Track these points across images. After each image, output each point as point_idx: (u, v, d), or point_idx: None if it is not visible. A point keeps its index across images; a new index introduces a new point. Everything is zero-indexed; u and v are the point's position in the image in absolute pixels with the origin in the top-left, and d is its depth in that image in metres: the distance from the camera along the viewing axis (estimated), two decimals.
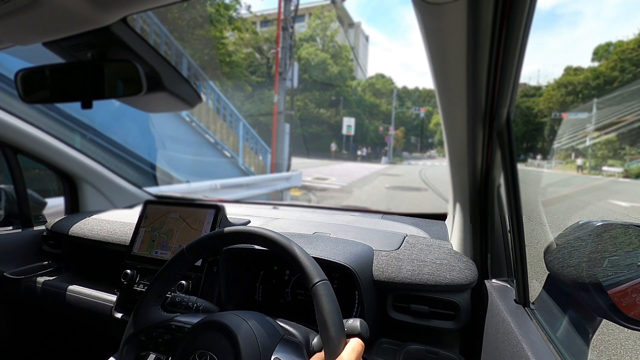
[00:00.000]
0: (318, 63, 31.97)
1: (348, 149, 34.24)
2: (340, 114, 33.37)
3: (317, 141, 32.81)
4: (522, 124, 37.28)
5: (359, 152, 34.36)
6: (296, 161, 21.98)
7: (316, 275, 0.56)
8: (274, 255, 0.98)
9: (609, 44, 31.90)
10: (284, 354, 0.58)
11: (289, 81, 9.56)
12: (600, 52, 32.63)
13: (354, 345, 0.52)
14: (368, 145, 37.05)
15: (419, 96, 51.23)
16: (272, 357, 0.58)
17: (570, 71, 32.67)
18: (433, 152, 52.02)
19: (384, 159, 31.11)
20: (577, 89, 30.92)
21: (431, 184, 13.99)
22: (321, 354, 0.53)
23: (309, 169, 17.86)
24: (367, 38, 50.62)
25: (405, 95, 50.69)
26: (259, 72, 26.19)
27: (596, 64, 31.92)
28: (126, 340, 0.64)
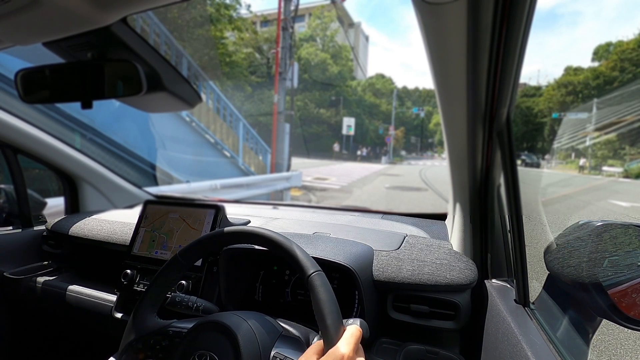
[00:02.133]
0: (318, 63, 31.67)
1: (348, 149, 33.96)
2: (340, 114, 33.04)
3: (318, 141, 32.40)
4: (522, 124, 37.16)
5: (358, 152, 33.46)
6: (296, 161, 21.61)
7: (310, 266, 0.57)
8: (274, 256, 0.98)
9: (609, 44, 31.70)
10: (283, 349, 0.59)
11: (288, 81, 9.53)
12: (600, 52, 32.39)
13: (352, 332, 0.52)
14: (368, 145, 36.69)
15: (419, 96, 51.15)
16: (272, 353, 0.58)
17: (571, 71, 32.45)
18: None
19: (383, 158, 30.37)
20: (577, 89, 30.68)
21: (431, 184, 13.80)
22: (320, 342, 0.53)
23: (309, 169, 17.67)
24: (367, 38, 50.44)
25: (405, 95, 50.52)
26: (259, 72, 26.15)
27: (596, 64, 31.69)
28: (124, 349, 0.64)
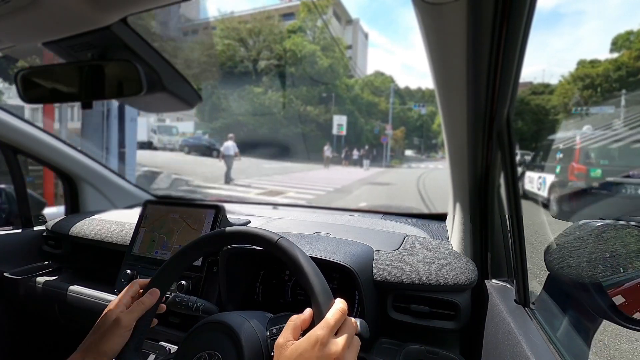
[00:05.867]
0: (306, 55, 26.80)
1: (340, 151, 27.33)
2: (331, 112, 28.00)
3: (305, 142, 26.89)
4: (532, 123, 34.86)
5: (343, 156, 25.37)
6: (276, 165, 18.41)
7: (274, 235, 0.58)
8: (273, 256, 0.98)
9: (629, 33, 28.16)
10: (277, 326, 0.59)
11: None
12: (619, 42, 28.54)
13: (339, 307, 0.50)
14: (363, 146, 30.89)
15: (422, 96, 50.01)
16: (266, 333, 0.58)
17: (586, 64, 29.48)
18: None
19: (365, 162, 22.30)
20: (595, 82, 27.41)
21: (429, 199, 9.55)
22: (309, 311, 0.53)
23: (275, 177, 13.66)
24: (366, 35, 49.16)
25: (408, 95, 49.43)
26: (241, 67, 24.78)
27: (615, 54, 28.03)
28: None
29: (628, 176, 4.87)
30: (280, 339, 0.49)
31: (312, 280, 0.53)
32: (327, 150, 21.27)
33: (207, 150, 20.13)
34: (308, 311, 0.53)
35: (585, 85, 28.30)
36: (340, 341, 0.46)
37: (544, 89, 38.48)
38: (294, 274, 0.55)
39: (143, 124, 24.13)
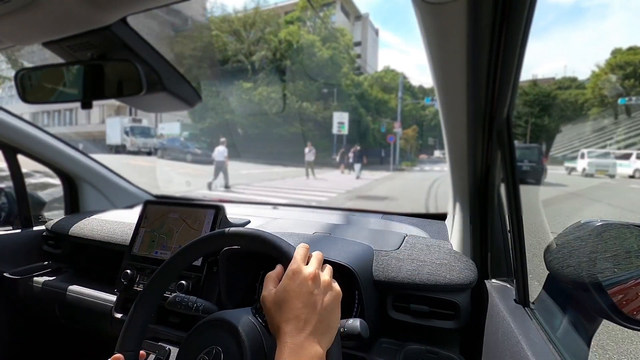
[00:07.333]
0: (303, 46, 23.39)
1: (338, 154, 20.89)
2: (331, 108, 24.26)
3: (301, 144, 19.36)
4: (559, 119, 33.04)
5: (338, 159, 18.34)
6: (259, 171, 15.29)
7: (221, 230, 0.61)
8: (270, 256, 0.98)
9: None
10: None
11: None
12: None
13: (301, 245, 0.55)
14: (361, 146, 20.69)
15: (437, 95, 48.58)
16: (252, 311, 0.60)
17: (623, 52, 26.88)
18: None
19: (356, 166, 15.98)
20: (639, 70, 24.72)
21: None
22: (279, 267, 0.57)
23: (241, 188, 10.51)
24: (376, 31, 46.14)
25: (421, 93, 46.58)
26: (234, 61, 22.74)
27: None
28: None
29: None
30: (264, 293, 0.53)
31: (270, 240, 0.57)
32: (309, 153, 14.70)
33: (181, 154, 18.25)
34: (278, 266, 0.57)
35: (626, 75, 25.49)
36: (311, 265, 0.53)
37: (571, 83, 36.36)
38: (254, 247, 0.58)
39: (116, 124, 21.64)
